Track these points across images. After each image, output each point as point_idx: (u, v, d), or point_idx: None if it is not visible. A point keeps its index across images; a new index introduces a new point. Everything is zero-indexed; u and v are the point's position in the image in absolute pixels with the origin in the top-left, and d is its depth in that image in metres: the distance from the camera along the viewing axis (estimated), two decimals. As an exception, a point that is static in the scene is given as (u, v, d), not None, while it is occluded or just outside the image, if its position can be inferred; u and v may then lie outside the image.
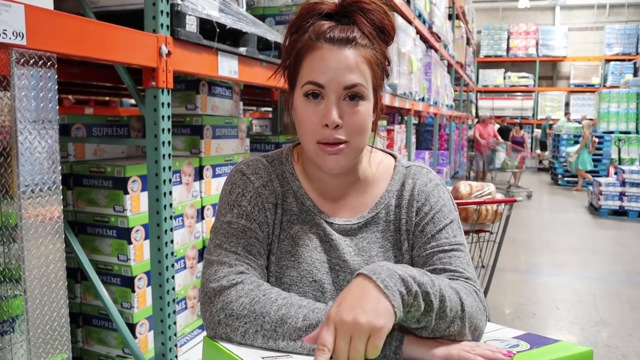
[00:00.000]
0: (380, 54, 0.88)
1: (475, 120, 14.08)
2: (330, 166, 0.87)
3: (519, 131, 11.29)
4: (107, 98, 5.57)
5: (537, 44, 16.81)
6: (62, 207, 1.29)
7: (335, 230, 0.94)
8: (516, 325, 3.35)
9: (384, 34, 0.89)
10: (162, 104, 1.59)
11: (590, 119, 10.77)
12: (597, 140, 9.84)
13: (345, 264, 0.93)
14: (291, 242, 0.94)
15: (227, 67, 1.89)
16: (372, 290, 0.70)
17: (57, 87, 1.26)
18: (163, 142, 1.60)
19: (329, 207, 0.96)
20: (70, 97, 5.17)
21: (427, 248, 0.91)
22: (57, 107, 1.27)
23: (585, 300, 3.88)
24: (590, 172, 9.86)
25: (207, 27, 1.76)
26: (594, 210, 7.61)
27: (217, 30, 1.78)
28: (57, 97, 1.27)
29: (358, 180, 0.97)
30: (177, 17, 1.62)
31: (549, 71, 17.43)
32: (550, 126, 13.86)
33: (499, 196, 2.71)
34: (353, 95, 0.85)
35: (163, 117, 1.59)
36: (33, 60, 1.19)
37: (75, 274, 1.86)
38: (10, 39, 1.09)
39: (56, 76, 1.25)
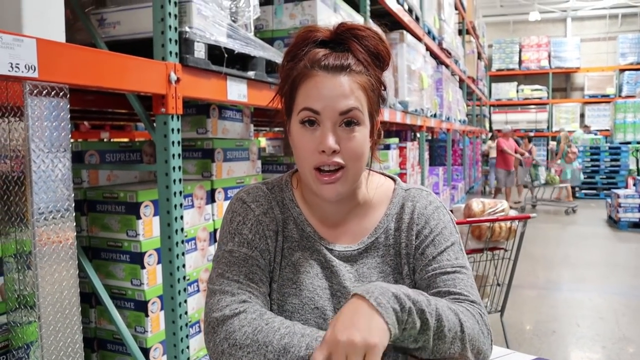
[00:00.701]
0: (375, 79, 0.88)
1: (490, 134, 13.97)
2: (327, 195, 0.87)
3: (527, 144, 11.19)
4: (121, 123, 5.66)
5: (549, 56, 16.72)
6: (75, 233, 1.30)
7: (336, 257, 0.94)
8: (535, 343, 3.28)
9: (379, 60, 0.89)
10: (172, 129, 1.61)
11: (569, 131, 10.76)
12: (576, 151, 9.75)
13: (346, 291, 0.92)
14: (292, 269, 0.93)
15: (236, 91, 1.91)
16: (365, 308, 0.71)
17: (69, 116, 1.29)
18: (174, 168, 1.62)
19: (330, 233, 0.96)
20: (85, 122, 5.27)
21: (429, 270, 0.90)
22: (70, 135, 1.30)
23: (607, 316, 3.79)
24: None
25: (216, 52, 1.79)
26: (613, 223, 7.47)
27: (226, 55, 1.81)
28: (69, 125, 1.30)
29: (358, 205, 0.97)
30: (185, 44, 1.66)
31: (562, 83, 17.31)
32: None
33: (512, 213, 2.68)
34: (349, 121, 0.85)
35: (173, 142, 1.62)
36: (46, 91, 1.22)
37: (89, 298, 1.88)
38: (22, 72, 1.12)
39: (68, 106, 1.28)
